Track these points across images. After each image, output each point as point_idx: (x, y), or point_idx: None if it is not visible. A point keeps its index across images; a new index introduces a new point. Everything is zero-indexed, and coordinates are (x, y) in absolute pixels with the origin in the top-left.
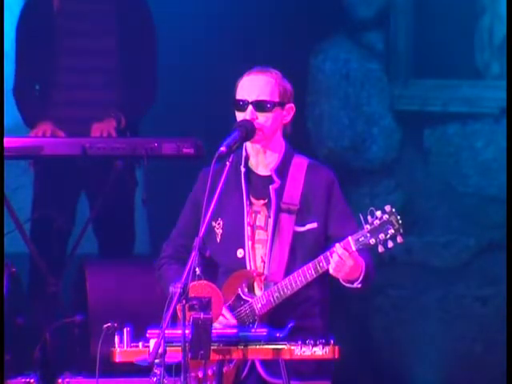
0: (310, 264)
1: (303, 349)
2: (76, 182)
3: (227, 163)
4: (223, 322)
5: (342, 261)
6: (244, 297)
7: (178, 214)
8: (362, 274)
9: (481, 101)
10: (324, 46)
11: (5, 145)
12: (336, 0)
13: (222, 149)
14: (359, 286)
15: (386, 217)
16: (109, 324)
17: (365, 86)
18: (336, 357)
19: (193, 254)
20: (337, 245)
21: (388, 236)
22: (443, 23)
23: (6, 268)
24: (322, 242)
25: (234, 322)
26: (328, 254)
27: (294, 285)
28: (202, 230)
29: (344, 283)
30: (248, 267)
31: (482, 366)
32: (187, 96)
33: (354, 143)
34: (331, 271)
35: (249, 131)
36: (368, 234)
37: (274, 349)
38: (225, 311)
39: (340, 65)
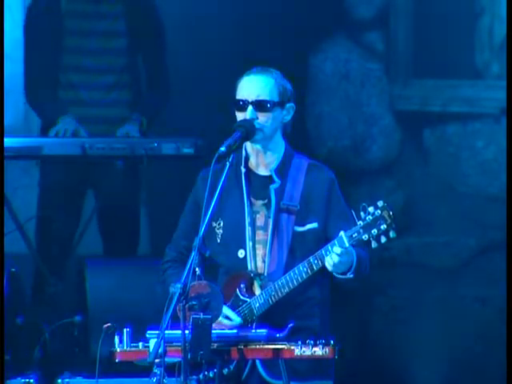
0: (305, 262)
1: (303, 349)
2: (83, 181)
3: (227, 163)
4: (228, 324)
5: (341, 261)
6: (242, 297)
7: (178, 214)
8: (354, 265)
9: (481, 101)
10: (324, 45)
11: (5, 145)
12: (336, 0)
13: (222, 149)
14: (351, 276)
15: (378, 212)
16: (108, 324)
17: (365, 85)
18: (336, 357)
19: (193, 254)
20: (335, 247)
21: (380, 231)
22: (443, 23)
23: (6, 268)
24: (322, 242)
25: (238, 320)
26: (322, 252)
27: (290, 284)
28: (202, 230)
29: (337, 275)
30: (249, 268)
31: (482, 365)
32: (187, 96)
33: (354, 143)
34: (329, 268)
35: (249, 131)
36: (361, 230)
37: (273, 349)
38: (228, 311)
39: (340, 65)
